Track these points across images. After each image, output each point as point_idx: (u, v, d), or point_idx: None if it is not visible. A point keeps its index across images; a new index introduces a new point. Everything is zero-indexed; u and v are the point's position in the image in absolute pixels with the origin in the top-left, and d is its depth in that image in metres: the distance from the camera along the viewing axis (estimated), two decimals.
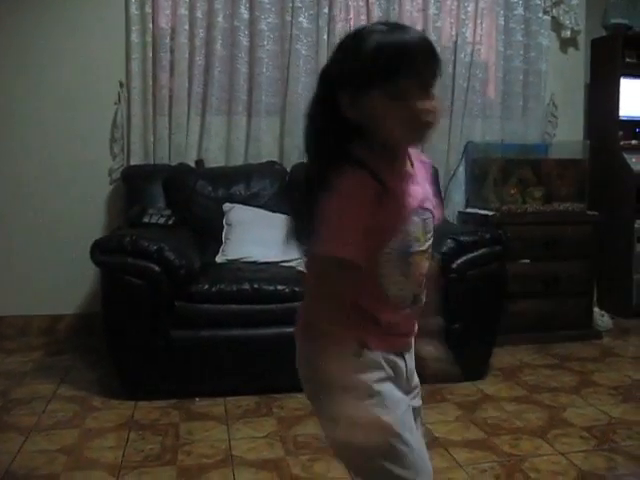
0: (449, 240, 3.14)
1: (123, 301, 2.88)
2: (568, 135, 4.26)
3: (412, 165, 1.32)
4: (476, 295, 3.16)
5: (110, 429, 2.70)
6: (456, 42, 4.07)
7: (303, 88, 3.89)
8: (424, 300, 1.38)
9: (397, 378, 1.36)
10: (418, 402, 1.45)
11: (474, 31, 4.09)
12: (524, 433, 2.62)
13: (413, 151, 1.35)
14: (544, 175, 4.01)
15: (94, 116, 3.79)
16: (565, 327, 3.77)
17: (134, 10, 3.74)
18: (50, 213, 3.80)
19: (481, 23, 4.10)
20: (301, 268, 3.22)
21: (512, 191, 3.89)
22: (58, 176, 3.80)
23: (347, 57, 1.21)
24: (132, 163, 3.77)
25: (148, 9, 3.74)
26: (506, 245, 3.24)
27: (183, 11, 3.75)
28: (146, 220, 3.26)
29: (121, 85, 3.78)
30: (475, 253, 3.16)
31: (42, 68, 3.76)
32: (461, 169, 4.10)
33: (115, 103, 3.79)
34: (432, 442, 2.56)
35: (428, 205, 1.32)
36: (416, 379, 1.44)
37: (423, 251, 1.31)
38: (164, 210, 3.36)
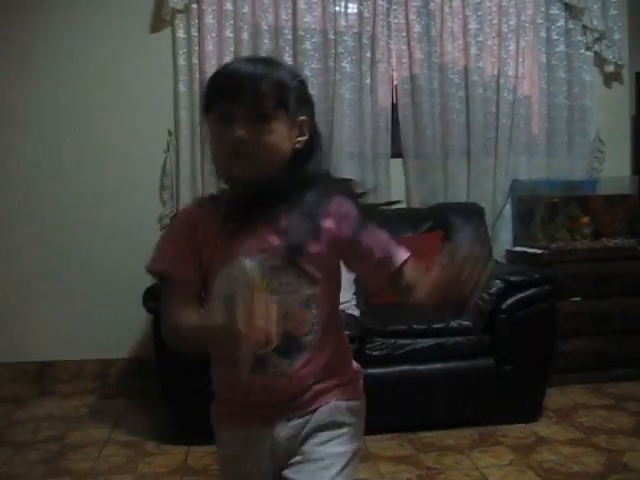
0: (498, 280, 3.12)
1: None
2: (615, 170, 4.21)
3: (277, 207, 1.24)
4: (527, 335, 3.12)
5: (164, 474, 2.73)
6: (498, 81, 4.08)
7: (348, 132, 3.94)
8: (289, 367, 1.22)
9: (256, 458, 1.27)
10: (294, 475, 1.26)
11: (516, 69, 4.09)
12: (582, 478, 2.56)
13: (336, 199, 1.26)
14: (592, 211, 3.96)
15: (144, 165, 3.89)
16: (620, 365, 3.68)
17: (181, 61, 3.86)
18: (102, 259, 3.88)
19: (523, 61, 4.10)
20: (350, 311, 3.24)
21: (560, 229, 3.86)
22: (110, 223, 3.90)
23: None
24: (181, 209, 3.85)
25: (195, 59, 3.85)
26: (556, 284, 3.21)
27: (228, 60, 3.85)
28: None
29: (170, 134, 3.88)
30: (525, 293, 3.13)
31: (92, 119, 3.89)
32: (507, 207, 4.07)
33: (164, 151, 3.89)
34: None
35: (300, 260, 1.20)
36: (313, 447, 1.26)
37: (261, 306, 1.10)
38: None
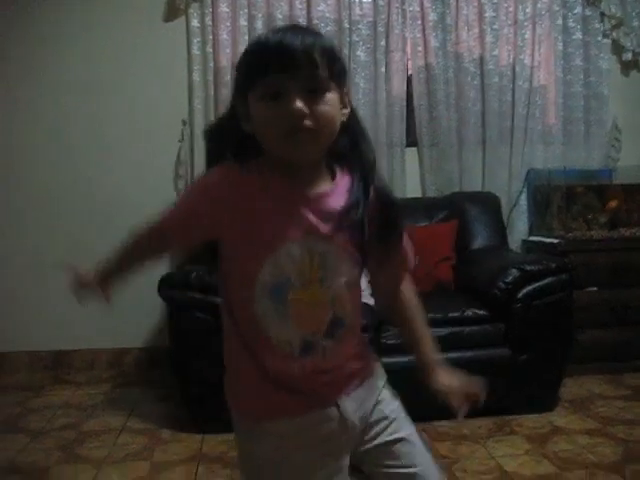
0: (514, 270, 3.10)
1: (190, 336, 2.93)
2: (633, 159, 4.17)
3: (323, 191, 1.17)
4: (543, 325, 3.10)
5: (179, 462, 2.74)
6: (514, 69, 4.04)
7: (362, 121, 3.91)
8: (333, 347, 1.21)
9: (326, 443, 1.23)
10: (396, 434, 1.31)
11: (532, 57, 4.05)
12: (599, 468, 2.54)
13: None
14: (609, 200, 3.93)
15: (159, 154, 3.89)
16: (637, 356, 3.66)
17: (195, 50, 3.85)
18: None
19: (539, 49, 4.06)
20: (365, 300, 3.23)
21: (577, 218, 3.83)
22: (125, 212, 3.88)
23: (236, 69, 1.18)
24: None
25: (209, 49, 3.84)
26: (572, 273, 3.18)
27: (243, 49, 3.82)
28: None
29: (184, 123, 3.88)
30: (541, 282, 3.10)
31: (106, 109, 3.89)
32: (523, 197, 4.04)
33: (179, 141, 3.89)
34: (502, 476, 2.52)
35: (338, 239, 1.16)
36: (386, 410, 1.32)
37: (314, 293, 1.14)
38: None
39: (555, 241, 3.67)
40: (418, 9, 3.97)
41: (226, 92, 3.83)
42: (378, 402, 1.32)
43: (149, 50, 3.89)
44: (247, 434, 1.26)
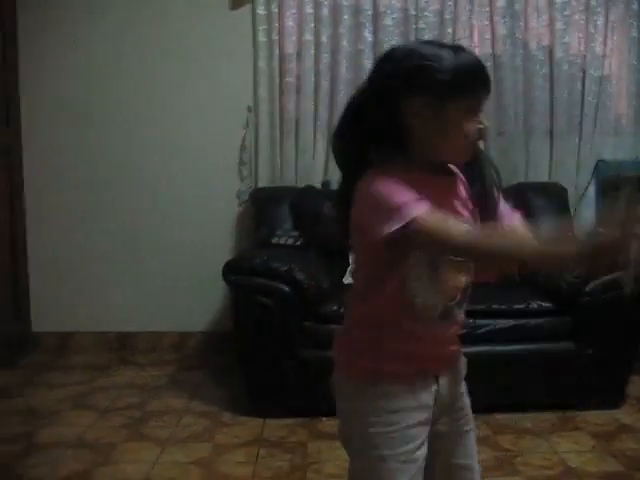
0: None
1: (254, 321, 2.96)
2: None
3: (453, 180, 1.35)
4: (610, 320, 3.02)
5: (240, 445, 2.78)
6: (585, 57, 3.93)
7: None
8: (458, 318, 1.36)
9: (427, 406, 1.34)
10: (467, 426, 1.44)
11: (604, 45, 3.93)
12: None
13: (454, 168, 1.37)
14: None
15: (223, 140, 3.93)
16: None
17: (261, 37, 3.87)
18: (181, 233, 3.96)
19: (612, 36, 3.94)
20: None
21: None
22: (190, 198, 3.96)
23: (427, 71, 1.23)
24: (260, 185, 3.89)
25: (274, 36, 3.85)
26: None
27: (308, 37, 3.84)
28: (274, 241, 3.34)
29: (249, 110, 3.91)
30: (610, 276, 3.03)
31: (172, 95, 3.95)
32: (591, 188, 3.94)
33: (243, 127, 3.92)
34: (567, 472, 2.48)
35: (467, 218, 1.32)
36: (465, 402, 1.44)
37: (459, 262, 1.29)
38: (292, 231, 3.43)
39: None
40: None
41: (291, 80, 3.85)
42: (462, 392, 1.44)
43: (215, 37, 3.92)
44: (363, 392, 1.34)
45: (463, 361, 1.45)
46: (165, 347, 4.05)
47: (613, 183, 3.82)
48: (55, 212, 4.01)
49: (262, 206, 3.71)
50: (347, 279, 3.33)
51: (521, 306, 3.05)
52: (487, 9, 3.89)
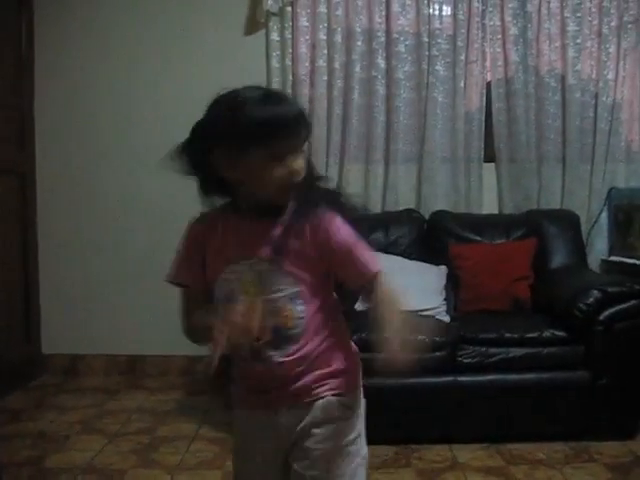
0: (595, 291, 3.01)
1: None
2: None
3: (270, 224, 1.37)
4: (625, 349, 3.00)
5: None
6: (597, 84, 3.94)
7: (440, 135, 3.91)
8: (273, 359, 1.36)
9: (263, 437, 1.42)
10: (308, 471, 1.40)
11: (616, 72, 3.94)
12: None
13: (312, 215, 1.36)
14: None
15: None
16: None
17: (275, 63, 3.90)
18: None
19: (624, 64, 3.95)
20: (440, 317, 3.19)
21: None
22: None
23: (227, 120, 1.33)
24: None
25: (288, 61, 3.89)
26: None
27: (322, 62, 3.87)
28: None
29: None
30: (623, 305, 3.01)
31: (186, 119, 3.95)
32: (603, 216, 3.93)
33: None
34: None
35: (277, 260, 1.34)
36: (312, 446, 1.40)
37: (252, 304, 1.31)
38: None
39: (638, 262, 3.55)
40: (499, 23, 3.91)
41: (304, 105, 3.85)
42: (309, 433, 1.40)
43: (229, 62, 3.94)
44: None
45: (319, 405, 1.41)
46: (174, 371, 4.04)
47: (626, 211, 3.82)
48: (67, 236, 4.03)
49: None
50: (359, 306, 3.31)
51: (534, 334, 3.02)
52: (499, 36, 3.92)
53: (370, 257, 1.38)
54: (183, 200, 3.93)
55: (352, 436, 1.43)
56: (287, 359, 1.37)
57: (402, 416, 2.94)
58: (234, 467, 1.54)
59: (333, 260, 1.37)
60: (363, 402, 1.50)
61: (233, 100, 1.34)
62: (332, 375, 1.42)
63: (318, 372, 1.40)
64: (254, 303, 1.31)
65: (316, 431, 1.40)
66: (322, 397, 1.41)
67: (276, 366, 1.37)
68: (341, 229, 1.37)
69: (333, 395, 1.41)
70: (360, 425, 1.47)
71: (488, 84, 3.98)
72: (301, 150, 1.35)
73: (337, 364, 1.43)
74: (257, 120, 1.29)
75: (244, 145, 1.30)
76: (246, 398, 1.46)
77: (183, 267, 1.49)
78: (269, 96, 1.36)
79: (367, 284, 1.37)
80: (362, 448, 1.47)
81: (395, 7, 3.86)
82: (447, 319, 3.21)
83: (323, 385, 1.41)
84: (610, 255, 3.88)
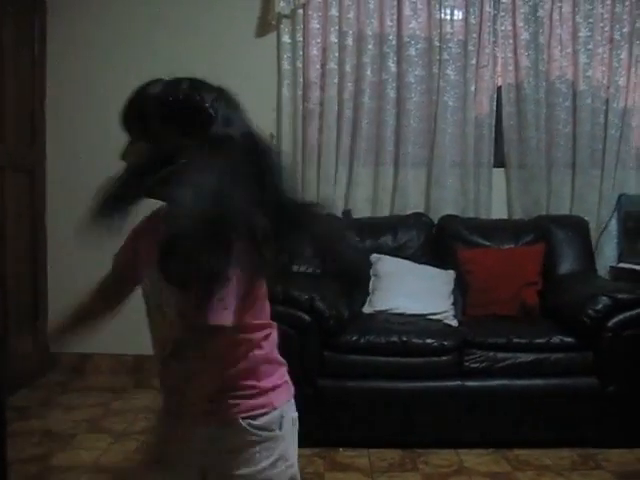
0: (604, 297, 3.00)
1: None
2: None
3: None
4: (633, 355, 2.99)
5: None
6: (608, 90, 3.93)
7: (450, 140, 3.91)
8: (177, 373, 1.26)
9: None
10: None
11: (628, 78, 3.93)
12: None
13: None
14: None
15: None
16: None
17: (286, 65, 3.91)
18: None
19: (635, 70, 3.94)
20: (448, 321, 3.19)
21: None
22: None
23: None
24: None
25: (299, 64, 3.89)
26: None
27: (333, 65, 3.87)
28: (294, 269, 3.33)
29: (272, 137, 3.92)
30: (633, 312, 3.00)
31: None
32: (613, 222, 3.91)
33: None
34: None
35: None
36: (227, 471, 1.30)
37: (161, 313, 1.33)
38: (311, 259, 3.42)
39: None
40: (510, 28, 3.91)
41: (315, 108, 3.89)
42: (230, 459, 1.31)
43: (240, 64, 3.94)
44: None
45: (231, 428, 1.30)
46: None
47: (636, 217, 3.81)
48: (76, 234, 4.02)
49: None
50: (367, 309, 3.32)
51: (542, 340, 3.01)
52: (511, 41, 3.92)
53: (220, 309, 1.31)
54: None
55: (268, 462, 1.32)
56: (189, 372, 1.24)
57: (409, 420, 2.94)
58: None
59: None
60: (289, 419, 1.38)
61: None
62: (250, 396, 1.32)
63: (232, 393, 1.31)
64: (159, 313, 1.35)
65: (230, 456, 1.31)
66: (236, 419, 1.30)
67: (178, 375, 1.26)
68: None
69: (249, 417, 1.31)
70: (281, 447, 1.35)
71: (499, 89, 3.97)
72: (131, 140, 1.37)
73: (253, 385, 1.33)
74: None
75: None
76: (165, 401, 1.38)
77: (120, 252, 1.55)
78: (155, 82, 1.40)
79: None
80: (285, 471, 1.35)
81: (406, 11, 3.86)
82: (455, 323, 3.20)
83: (237, 407, 1.30)
84: (619, 262, 3.87)
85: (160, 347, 1.35)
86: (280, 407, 1.36)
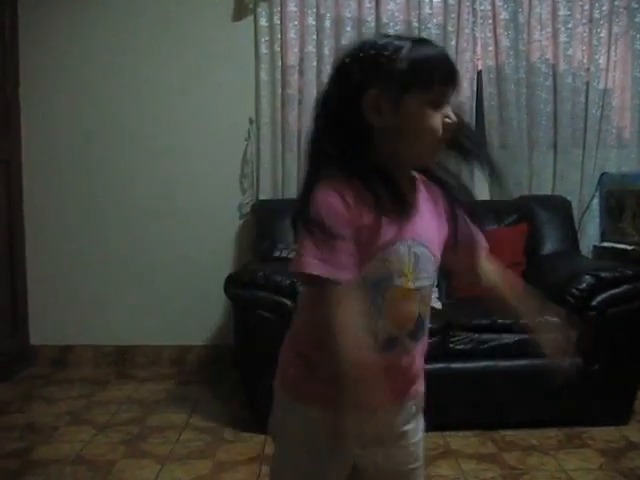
0: (588, 276, 2.99)
1: (255, 335, 2.92)
2: None
3: (416, 194, 1.24)
4: (617, 334, 2.98)
5: (242, 462, 2.73)
6: (588, 70, 3.92)
7: None
8: (412, 349, 1.25)
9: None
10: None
11: (607, 57, 3.91)
12: None
13: (428, 185, 1.27)
14: None
15: (225, 152, 3.91)
16: None
17: (263, 49, 3.85)
18: (181, 246, 3.92)
19: (615, 49, 3.92)
20: (432, 303, 3.16)
21: None
22: (190, 210, 3.93)
23: (387, 57, 1.16)
24: (261, 198, 3.86)
25: (277, 47, 3.84)
26: None
27: (311, 48, 3.82)
28: (276, 254, 3.31)
29: (251, 122, 3.88)
30: (616, 290, 2.99)
31: (173, 106, 3.92)
32: (595, 201, 3.91)
33: (245, 139, 3.89)
34: None
35: (427, 242, 1.22)
36: (416, 454, 1.35)
37: (409, 290, 1.20)
38: (294, 244, 3.39)
39: (629, 247, 3.53)
40: (489, 8, 3.87)
41: (293, 92, 3.82)
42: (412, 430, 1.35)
43: (217, 49, 3.90)
44: (287, 409, 1.35)
45: (418, 402, 1.40)
46: (164, 361, 4.00)
47: (617, 196, 3.80)
48: (54, 226, 3.97)
49: (264, 219, 3.67)
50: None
51: (527, 321, 2.99)
52: (490, 21, 3.88)
53: (479, 233, 1.36)
54: (173, 187, 3.94)
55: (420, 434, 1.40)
56: (417, 352, 1.28)
57: None
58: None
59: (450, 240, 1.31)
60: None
61: (381, 41, 1.19)
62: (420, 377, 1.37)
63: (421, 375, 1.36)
64: (411, 288, 1.20)
65: (413, 424, 1.37)
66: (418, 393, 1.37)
67: (408, 358, 1.27)
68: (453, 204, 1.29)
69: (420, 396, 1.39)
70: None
71: (479, 71, 3.94)
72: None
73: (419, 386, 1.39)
74: (421, 59, 1.15)
75: (405, 85, 1.15)
76: (328, 394, 1.18)
77: (341, 255, 1.13)
78: (423, 40, 1.24)
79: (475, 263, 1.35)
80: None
81: None
82: (439, 306, 3.18)
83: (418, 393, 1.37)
84: (602, 241, 3.87)
85: (396, 327, 1.22)
86: None
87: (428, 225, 1.24)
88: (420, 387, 1.37)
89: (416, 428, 1.36)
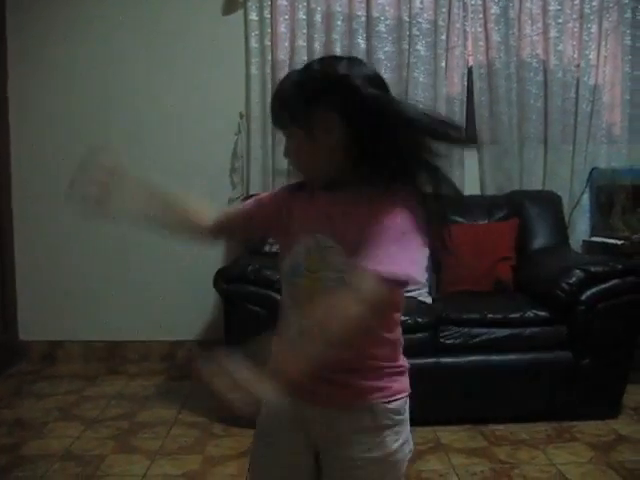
0: (577, 270, 3.00)
1: (245, 329, 2.90)
2: None
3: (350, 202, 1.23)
4: (607, 328, 2.99)
5: (232, 457, 2.72)
6: (579, 65, 3.92)
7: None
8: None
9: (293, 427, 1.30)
10: None
11: (598, 52, 3.92)
12: None
13: (388, 199, 1.19)
14: None
15: (215, 147, 3.89)
16: None
17: (253, 43, 3.83)
18: (171, 241, 3.89)
19: (605, 44, 3.93)
20: (422, 298, 3.17)
21: None
22: None
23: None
24: (251, 192, 3.84)
25: (267, 42, 3.82)
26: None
27: (301, 43, 3.81)
28: (266, 249, 3.29)
29: (241, 116, 3.87)
30: (606, 284, 3.00)
31: (164, 101, 3.90)
32: (585, 196, 3.92)
33: (235, 134, 3.87)
34: None
35: (339, 238, 1.22)
36: (351, 453, 1.28)
37: (315, 281, 1.24)
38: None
39: (618, 242, 3.54)
40: (480, 2, 3.87)
41: None
42: (357, 442, 1.28)
43: (207, 43, 3.88)
44: None
45: (369, 410, 1.30)
46: (155, 356, 3.99)
47: (607, 191, 3.81)
48: (43, 220, 3.94)
49: None
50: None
51: (517, 315, 3.01)
52: (481, 16, 3.88)
53: (388, 259, 1.12)
54: (163, 181, 3.91)
55: (392, 449, 1.30)
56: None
57: None
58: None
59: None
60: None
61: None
62: (380, 379, 1.31)
63: (362, 375, 1.29)
64: (316, 281, 1.24)
65: (358, 437, 1.29)
66: (367, 402, 1.28)
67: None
68: (387, 220, 1.16)
69: (381, 401, 1.30)
70: (406, 430, 1.35)
71: (469, 64, 3.94)
72: (289, 133, 1.28)
73: (384, 367, 1.31)
74: None
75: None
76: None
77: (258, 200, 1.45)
78: (304, 67, 1.34)
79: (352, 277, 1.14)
80: (407, 455, 1.36)
81: None
82: (429, 300, 3.19)
83: (369, 391, 1.29)
84: (592, 235, 3.88)
85: (300, 320, 1.20)
86: (408, 390, 1.36)
87: (349, 229, 1.22)
88: (376, 390, 1.29)
89: (372, 444, 1.28)
